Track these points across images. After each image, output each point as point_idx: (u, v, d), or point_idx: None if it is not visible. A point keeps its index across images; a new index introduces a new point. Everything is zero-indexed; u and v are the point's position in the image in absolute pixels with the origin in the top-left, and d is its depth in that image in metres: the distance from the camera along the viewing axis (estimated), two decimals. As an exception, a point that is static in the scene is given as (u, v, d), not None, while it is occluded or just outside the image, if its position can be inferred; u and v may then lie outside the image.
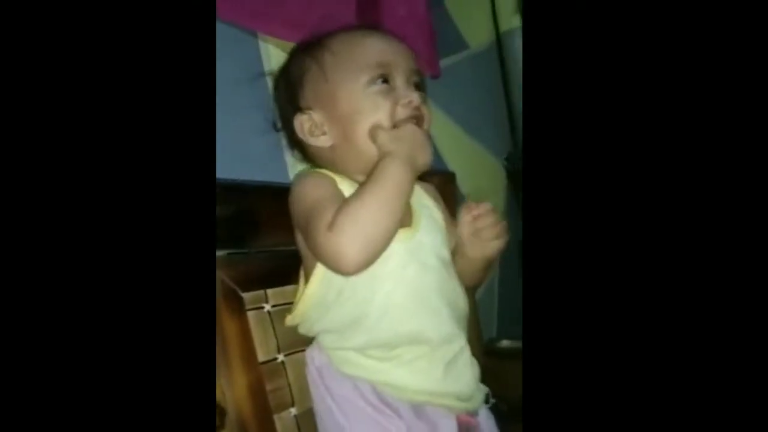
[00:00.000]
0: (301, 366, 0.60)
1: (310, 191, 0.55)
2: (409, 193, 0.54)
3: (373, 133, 0.55)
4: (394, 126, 0.56)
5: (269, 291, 0.60)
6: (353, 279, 0.52)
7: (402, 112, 0.56)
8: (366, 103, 0.56)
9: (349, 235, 0.49)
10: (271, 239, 0.60)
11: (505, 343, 0.99)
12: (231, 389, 0.54)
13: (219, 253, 0.56)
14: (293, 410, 0.59)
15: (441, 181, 0.79)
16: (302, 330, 0.59)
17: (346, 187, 0.56)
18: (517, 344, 0.96)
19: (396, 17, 0.91)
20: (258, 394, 0.56)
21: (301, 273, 0.60)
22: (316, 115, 0.58)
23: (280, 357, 0.59)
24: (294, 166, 0.70)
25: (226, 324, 0.55)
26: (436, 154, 1.07)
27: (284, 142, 0.65)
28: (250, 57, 0.73)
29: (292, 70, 0.61)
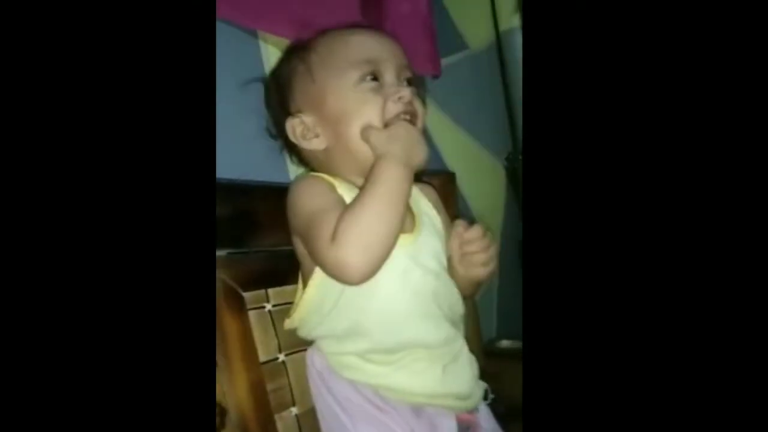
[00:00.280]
0: (302, 366, 0.60)
1: (308, 199, 0.54)
2: (409, 194, 0.53)
3: (366, 134, 0.54)
4: (386, 123, 0.54)
5: (270, 290, 0.60)
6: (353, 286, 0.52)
7: (393, 108, 0.55)
8: (355, 102, 0.55)
9: (353, 246, 0.48)
10: (273, 239, 0.60)
11: (504, 343, 0.99)
12: (232, 389, 0.54)
13: (220, 252, 0.57)
14: (294, 410, 0.59)
15: (441, 181, 0.79)
16: (301, 334, 0.59)
17: (345, 191, 0.55)
18: (517, 344, 0.96)
19: (398, 15, 0.91)
20: (259, 393, 0.56)
21: (300, 276, 0.59)
22: (307, 118, 0.58)
23: (281, 357, 0.59)
24: (295, 166, 0.70)
25: (227, 324, 0.55)
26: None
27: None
28: (251, 58, 0.73)
29: (280, 74, 0.61)
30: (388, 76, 0.56)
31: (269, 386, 0.57)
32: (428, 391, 0.56)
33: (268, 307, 0.59)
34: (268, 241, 0.60)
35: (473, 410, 0.60)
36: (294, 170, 0.70)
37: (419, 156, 0.53)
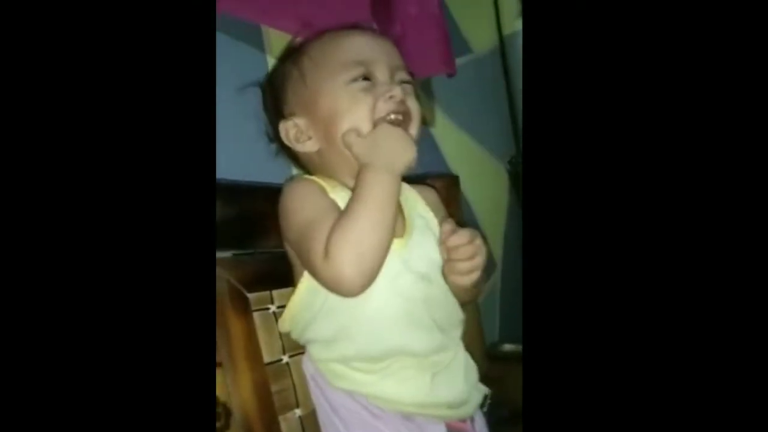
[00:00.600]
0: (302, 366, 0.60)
1: (299, 208, 0.54)
2: (396, 199, 0.52)
3: (348, 141, 0.53)
4: (376, 123, 0.54)
5: (275, 292, 0.60)
6: None
7: (383, 108, 0.54)
8: (346, 102, 0.54)
9: (347, 260, 0.48)
10: (277, 240, 0.60)
11: (507, 347, 0.99)
12: (236, 390, 0.54)
13: (225, 254, 0.57)
14: (298, 411, 0.59)
15: (445, 184, 0.80)
16: (294, 336, 0.58)
17: (338, 195, 0.55)
18: (519, 348, 0.96)
19: (409, 16, 0.92)
20: (263, 394, 0.56)
21: (294, 279, 0.59)
22: (300, 121, 0.58)
23: (285, 358, 0.59)
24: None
25: (232, 324, 0.55)
26: (440, 158, 1.08)
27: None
28: (254, 60, 0.74)
29: (275, 78, 0.61)
30: (380, 76, 0.55)
31: (273, 387, 0.57)
32: (417, 400, 0.54)
33: (273, 308, 0.60)
34: (273, 243, 0.60)
35: (467, 419, 0.59)
36: (298, 172, 0.71)
37: (404, 159, 0.51)
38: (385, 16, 0.88)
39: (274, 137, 0.63)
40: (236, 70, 0.67)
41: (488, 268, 1.20)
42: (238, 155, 0.64)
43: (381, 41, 0.58)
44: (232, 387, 0.54)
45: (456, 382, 0.57)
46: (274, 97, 0.61)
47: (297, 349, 0.60)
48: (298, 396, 0.59)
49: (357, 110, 0.54)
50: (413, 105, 0.56)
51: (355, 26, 0.60)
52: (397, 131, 0.53)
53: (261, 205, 0.61)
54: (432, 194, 0.65)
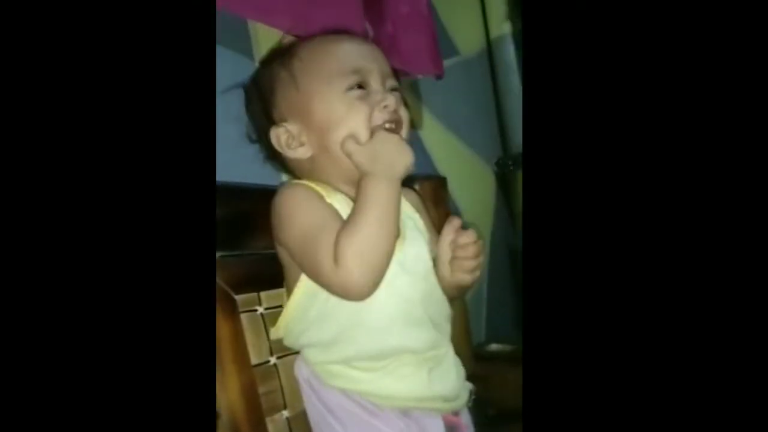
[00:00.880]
0: (294, 369, 0.60)
1: (300, 212, 0.54)
2: (398, 204, 0.53)
3: (347, 150, 0.54)
4: (372, 130, 0.55)
5: (262, 294, 0.60)
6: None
7: (379, 117, 0.55)
8: (343, 110, 0.55)
9: (357, 267, 0.49)
10: (265, 242, 0.60)
11: (493, 347, 0.99)
12: (224, 392, 0.54)
13: (212, 255, 0.57)
14: (285, 413, 0.59)
15: (432, 186, 0.80)
16: (287, 343, 0.58)
17: (335, 199, 0.56)
18: (506, 348, 0.97)
19: (400, 15, 0.92)
20: (250, 396, 0.56)
21: (285, 283, 0.59)
22: (292, 127, 0.57)
23: (273, 360, 0.59)
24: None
25: (220, 326, 0.55)
26: (427, 160, 1.08)
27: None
28: (235, 61, 0.74)
29: (262, 81, 0.61)
30: (374, 84, 0.57)
31: (261, 389, 0.57)
32: (416, 395, 0.56)
33: (260, 310, 0.60)
34: (260, 244, 0.60)
35: (458, 412, 0.61)
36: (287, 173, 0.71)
37: (403, 164, 0.53)
38: (376, 15, 0.89)
39: (260, 140, 0.63)
40: (219, 72, 0.67)
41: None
42: (222, 157, 0.64)
43: (371, 48, 0.59)
44: (220, 389, 0.53)
45: (449, 375, 0.59)
46: (262, 101, 0.60)
47: (285, 350, 0.60)
48: (286, 397, 0.59)
49: (354, 118, 0.55)
50: (403, 112, 0.58)
51: (344, 31, 0.61)
52: (395, 138, 0.54)
53: (247, 207, 0.61)
54: (414, 196, 0.67)
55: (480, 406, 0.64)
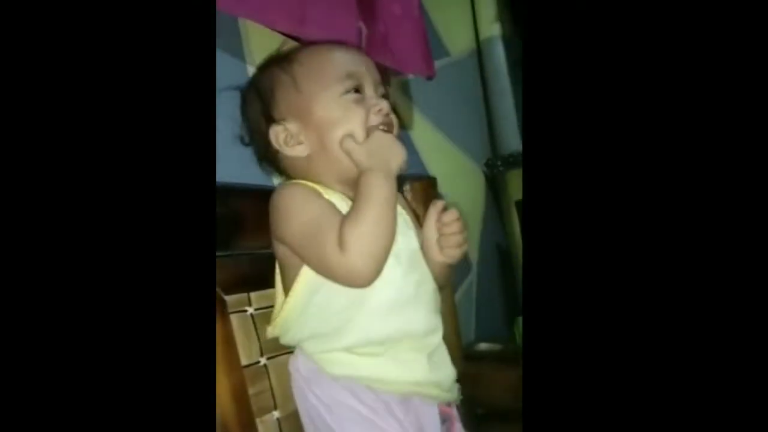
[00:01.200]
0: (284, 369, 0.60)
1: (302, 207, 0.56)
2: (396, 198, 0.56)
3: (346, 148, 0.57)
4: (368, 131, 0.58)
5: (252, 294, 0.60)
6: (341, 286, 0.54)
7: (374, 120, 0.59)
8: (341, 112, 0.59)
9: (361, 254, 0.52)
10: (255, 242, 0.60)
11: (483, 346, 1.00)
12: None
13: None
14: (276, 414, 0.59)
15: (422, 185, 0.81)
16: (284, 341, 0.59)
17: (332, 197, 0.58)
18: (495, 347, 0.97)
19: (392, 16, 0.94)
20: (241, 397, 0.56)
21: (278, 282, 0.60)
22: (291, 126, 0.60)
23: (263, 360, 0.59)
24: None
25: (210, 327, 0.55)
26: (417, 160, 1.09)
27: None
28: (236, 62, 0.74)
29: (262, 83, 0.63)
30: (368, 90, 0.61)
31: (251, 390, 0.57)
32: (416, 379, 0.58)
33: (250, 310, 0.60)
34: (251, 244, 0.60)
35: (451, 404, 0.62)
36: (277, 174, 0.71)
37: (398, 160, 0.57)
38: (370, 15, 0.89)
39: (255, 141, 0.64)
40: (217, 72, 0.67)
41: (463, 268, 1.22)
42: (216, 157, 0.64)
43: (365, 58, 0.63)
44: (210, 390, 0.53)
45: (446, 363, 0.62)
46: (261, 102, 0.62)
47: (275, 351, 0.60)
48: (276, 398, 0.59)
49: (352, 119, 0.59)
50: (394, 117, 0.62)
51: (339, 42, 0.65)
52: (389, 137, 0.59)
53: (239, 207, 0.61)
54: (398, 195, 0.69)
55: (469, 405, 0.65)
